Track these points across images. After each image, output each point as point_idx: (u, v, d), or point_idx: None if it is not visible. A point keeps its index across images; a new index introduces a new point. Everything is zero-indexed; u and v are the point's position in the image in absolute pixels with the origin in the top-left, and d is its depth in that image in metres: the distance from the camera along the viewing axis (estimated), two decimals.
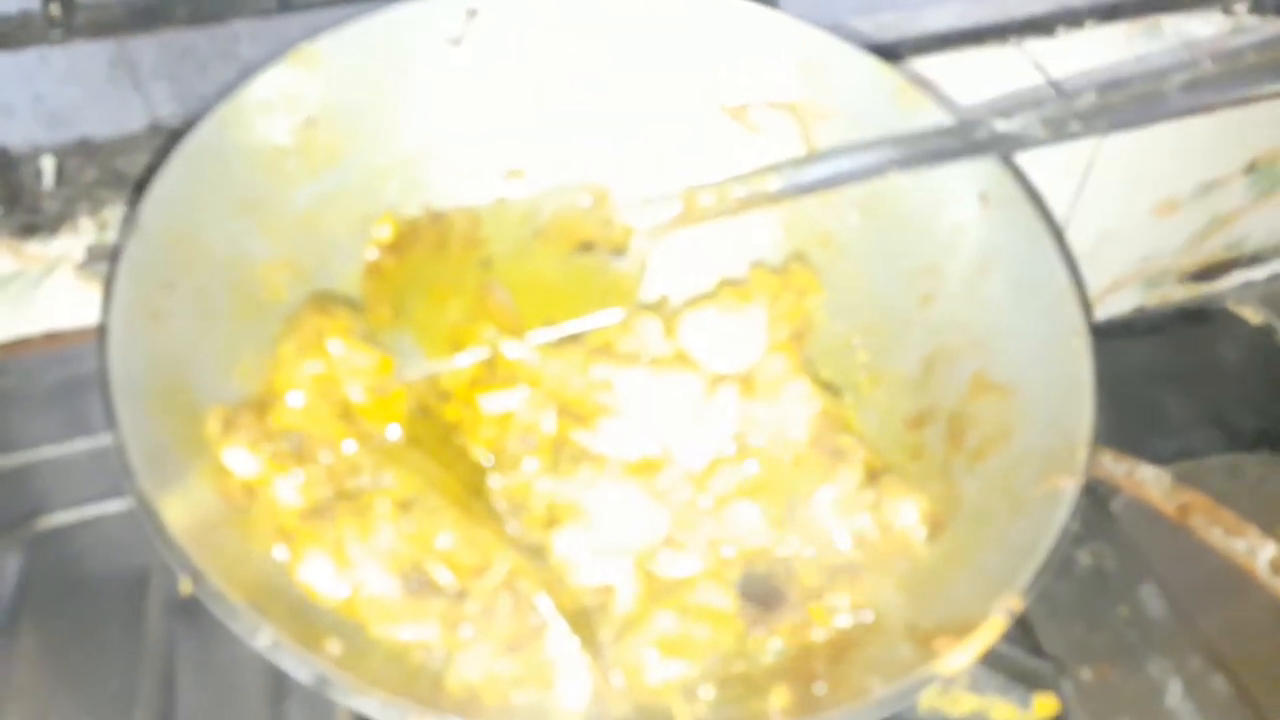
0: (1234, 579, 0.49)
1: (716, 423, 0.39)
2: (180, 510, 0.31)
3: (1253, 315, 0.63)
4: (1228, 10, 0.57)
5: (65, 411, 0.47)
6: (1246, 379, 0.60)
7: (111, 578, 0.45)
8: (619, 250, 0.42)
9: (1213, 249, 0.62)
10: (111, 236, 0.46)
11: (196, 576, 0.30)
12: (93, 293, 0.46)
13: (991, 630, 0.31)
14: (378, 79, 0.43)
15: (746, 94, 0.44)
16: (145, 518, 0.31)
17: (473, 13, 0.43)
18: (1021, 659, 0.38)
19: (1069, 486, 0.34)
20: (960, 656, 0.31)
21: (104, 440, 0.32)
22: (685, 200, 0.40)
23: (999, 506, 0.36)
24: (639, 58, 0.43)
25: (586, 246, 0.42)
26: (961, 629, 0.31)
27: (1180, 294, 0.63)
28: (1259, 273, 0.64)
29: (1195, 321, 0.62)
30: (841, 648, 0.35)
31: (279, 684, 0.41)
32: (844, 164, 0.41)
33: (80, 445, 0.47)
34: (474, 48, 0.43)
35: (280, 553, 0.34)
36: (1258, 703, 0.40)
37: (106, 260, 0.39)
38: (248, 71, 0.41)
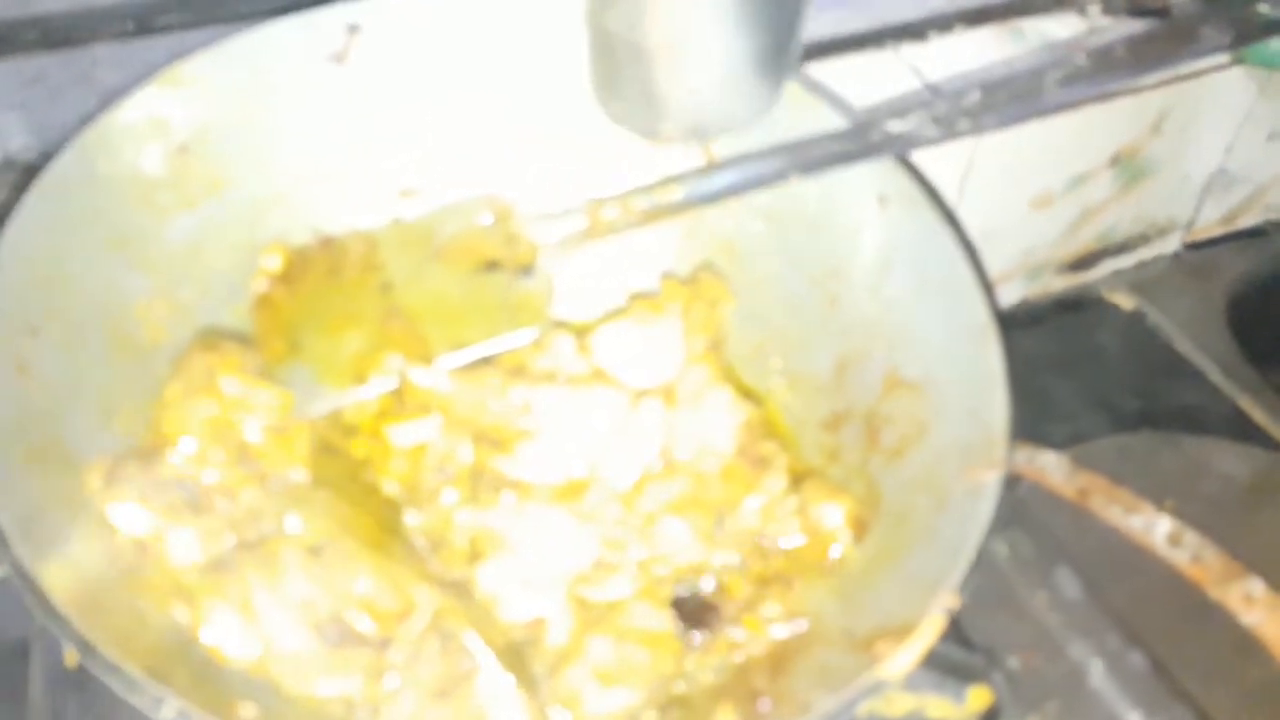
0: (1133, 554, 0.51)
1: (642, 438, 0.38)
2: (62, 576, 0.29)
3: (1125, 301, 0.65)
4: (1082, 12, 0.59)
5: None
6: (1124, 362, 0.62)
7: None
8: (525, 268, 0.41)
9: (1085, 239, 0.64)
10: None
11: (85, 649, 0.27)
12: None
13: (931, 629, 0.31)
14: (256, 100, 0.41)
15: None
16: (23, 588, 0.28)
17: (354, 28, 0.41)
18: (952, 653, 0.39)
19: (991, 478, 0.34)
20: (902, 659, 0.30)
21: None
22: (589, 214, 0.40)
23: (922, 504, 0.36)
24: (532, 69, 0.43)
25: (491, 265, 0.41)
26: (900, 631, 0.31)
27: (1059, 284, 0.66)
28: (1127, 260, 0.67)
29: (1073, 310, 0.65)
30: (781, 659, 0.34)
31: None
32: (745, 172, 0.41)
33: None
34: (358, 64, 0.42)
35: (180, 614, 0.32)
36: (1173, 674, 0.41)
37: None
38: (108, 99, 0.38)
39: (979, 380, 0.37)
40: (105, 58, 0.45)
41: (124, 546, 0.32)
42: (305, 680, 0.31)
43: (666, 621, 0.35)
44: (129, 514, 0.32)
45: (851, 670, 0.31)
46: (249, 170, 0.41)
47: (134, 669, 0.27)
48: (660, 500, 0.38)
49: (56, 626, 0.27)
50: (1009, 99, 0.42)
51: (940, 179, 0.53)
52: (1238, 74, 0.58)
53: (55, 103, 0.45)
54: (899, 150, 0.41)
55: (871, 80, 0.52)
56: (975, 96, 0.41)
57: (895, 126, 0.40)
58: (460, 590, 0.35)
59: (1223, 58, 0.57)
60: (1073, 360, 0.62)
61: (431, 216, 0.42)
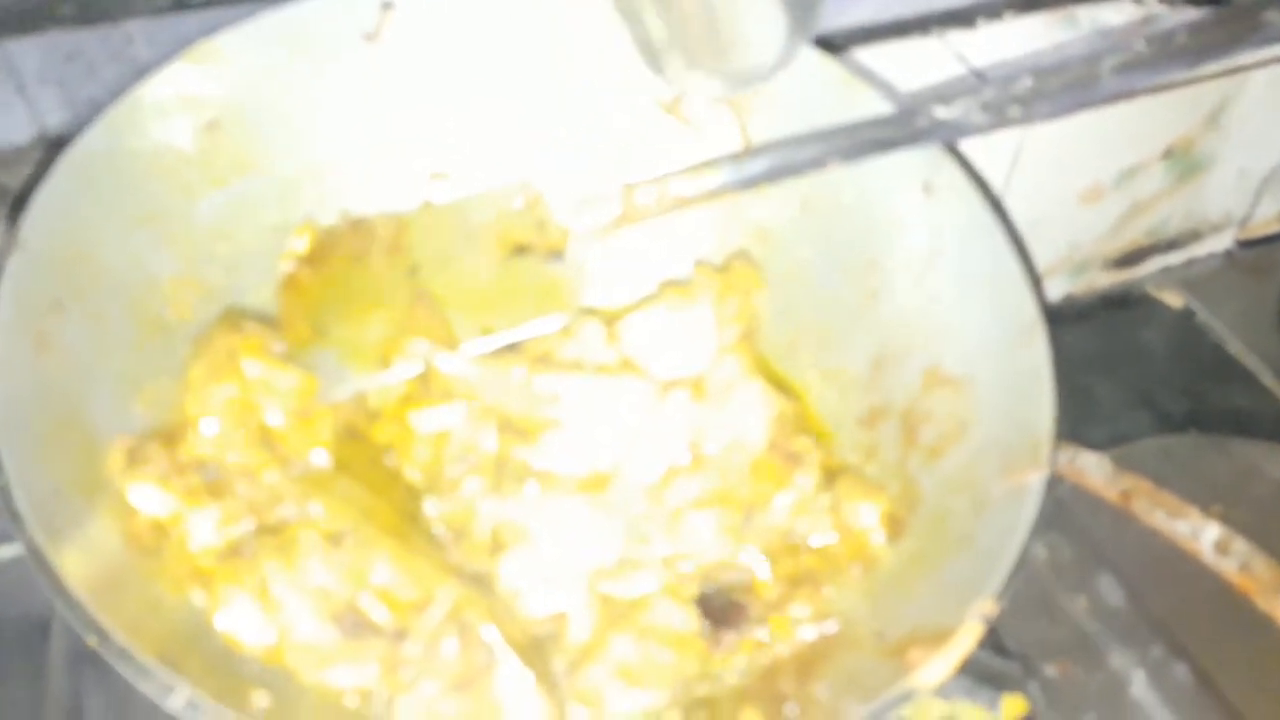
0: (1178, 561, 0.49)
1: (669, 431, 0.37)
2: (80, 558, 0.28)
3: (1174, 299, 0.64)
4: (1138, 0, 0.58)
5: None
6: (1171, 362, 0.61)
7: (8, 626, 0.41)
8: (555, 253, 0.40)
9: (1134, 235, 0.63)
10: None
11: (100, 634, 0.27)
12: None
13: (967, 638, 0.30)
14: (287, 78, 0.40)
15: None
16: (39, 570, 0.28)
17: (388, 5, 0.41)
18: (987, 659, 0.38)
19: (1034, 481, 0.33)
20: (936, 668, 0.29)
21: None
22: (622, 199, 0.39)
23: (961, 505, 0.35)
24: (568, 50, 0.42)
25: (520, 250, 0.40)
26: (934, 638, 0.30)
27: (1104, 280, 0.64)
28: (1177, 257, 0.65)
29: (1119, 307, 0.63)
30: (809, 663, 0.33)
31: None
32: (784, 157, 0.39)
33: None
34: (390, 43, 0.41)
35: (197, 598, 0.31)
36: (1218, 688, 0.40)
37: None
38: (143, 75, 0.38)
39: (1024, 378, 0.35)
40: (141, 33, 0.44)
41: (142, 529, 0.32)
42: (320, 669, 0.31)
43: (691, 620, 0.34)
44: (149, 495, 0.32)
45: (882, 677, 0.30)
46: (279, 149, 0.41)
47: (145, 655, 0.26)
48: (687, 495, 0.37)
49: (69, 609, 0.27)
50: (1062, 87, 0.40)
51: (986, 169, 0.52)
52: None
53: (92, 79, 0.45)
54: (946, 137, 0.40)
55: (916, 69, 0.51)
56: (1027, 83, 0.40)
57: (942, 113, 0.39)
58: (481, 582, 0.34)
59: None
60: (1118, 359, 0.61)
61: (462, 200, 0.42)
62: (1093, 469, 0.53)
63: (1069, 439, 0.52)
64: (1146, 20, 0.57)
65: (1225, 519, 0.50)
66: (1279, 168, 0.63)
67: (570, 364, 0.38)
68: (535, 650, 0.33)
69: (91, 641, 0.27)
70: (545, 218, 0.40)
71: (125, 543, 0.31)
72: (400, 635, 0.31)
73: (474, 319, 0.40)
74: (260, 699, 0.29)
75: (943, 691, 0.37)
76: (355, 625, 0.31)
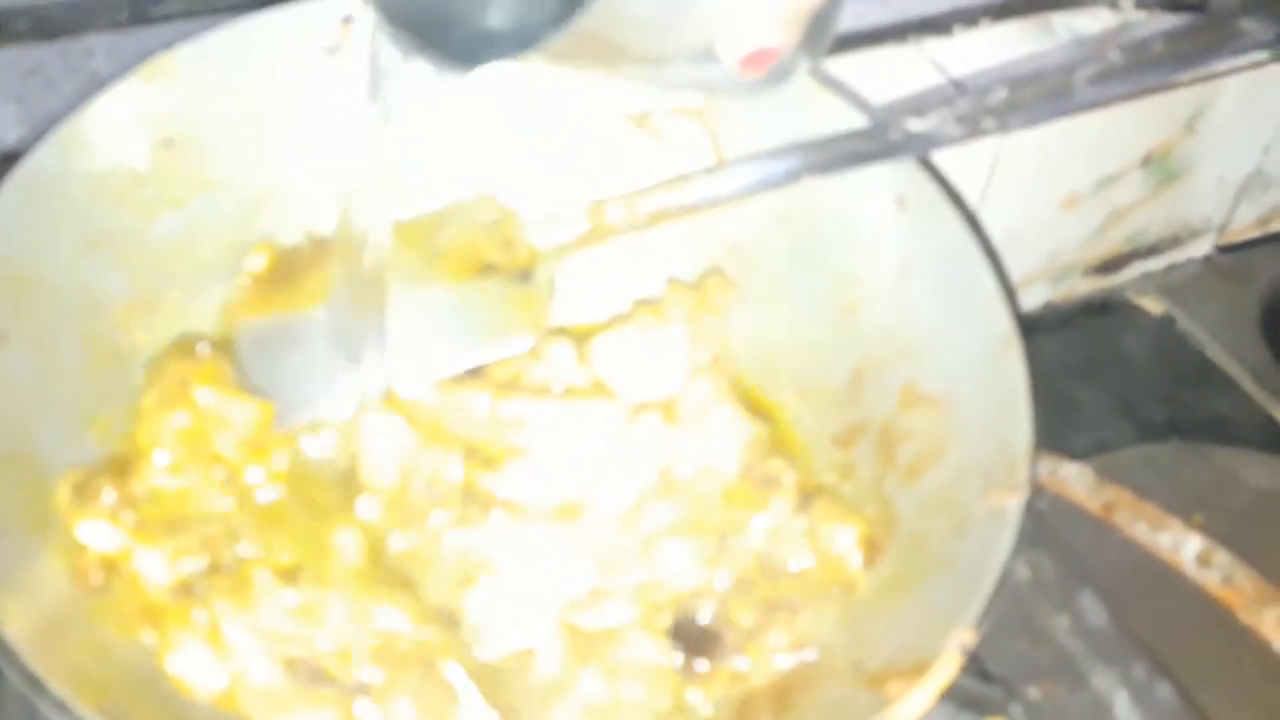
0: (1161, 575, 0.49)
1: (640, 457, 0.36)
2: (22, 602, 0.27)
3: (1153, 306, 0.64)
4: (1114, 6, 0.58)
5: None
6: (1152, 369, 0.61)
7: None
8: (523, 272, 0.39)
9: (1114, 242, 0.63)
10: None
11: (34, 684, 0.25)
12: None
13: (947, 668, 0.29)
14: (246, 94, 0.39)
15: (650, 100, 0.42)
16: None
17: (349, 19, 0.40)
18: (968, 683, 0.37)
19: (1011, 504, 0.32)
20: (915, 701, 0.29)
21: None
22: (592, 216, 0.38)
23: (940, 527, 0.34)
24: (536, 63, 0.41)
25: (488, 269, 0.39)
26: (913, 668, 0.29)
27: (1084, 288, 0.64)
28: (1157, 264, 0.65)
29: (1100, 314, 0.63)
30: (785, 693, 0.32)
31: None
32: (757, 171, 0.39)
33: None
34: (352, 57, 0.40)
35: (147, 639, 0.30)
36: (1202, 706, 0.39)
37: None
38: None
39: (1000, 396, 0.35)
40: (101, 48, 0.44)
41: (90, 566, 0.31)
42: (275, 715, 0.29)
43: (664, 653, 0.33)
44: (98, 532, 0.31)
45: (861, 709, 0.29)
46: (239, 167, 0.40)
47: (85, 707, 0.25)
48: (660, 522, 0.36)
49: (4, 659, 0.26)
50: (1037, 97, 0.40)
51: (964, 178, 0.51)
52: (1276, 71, 0.56)
53: (51, 95, 0.44)
54: (920, 151, 0.39)
55: (891, 77, 0.51)
56: (1001, 94, 0.39)
57: (916, 125, 0.38)
58: (446, 618, 0.33)
59: (1260, 54, 0.54)
60: (1098, 366, 0.61)
61: (428, 218, 0.41)
62: (1075, 480, 0.52)
63: (1050, 448, 0.52)
64: (1123, 28, 0.57)
65: (1206, 528, 0.50)
66: (1257, 173, 0.63)
67: (537, 388, 0.37)
68: (500, 688, 0.32)
69: (26, 692, 0.25)
70: (513, 235, 0.39)
71: (72, 581, 0.30)
72: (359, 676, 0.30)
73: (439, 340, 0.39)
74: None
75: (924, 717, 0.36)
76: (310, 674, 0.30)
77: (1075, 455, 0.53)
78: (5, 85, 0.43)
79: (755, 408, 0.39)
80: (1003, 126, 0.39)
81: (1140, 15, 0.57)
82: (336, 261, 0.36)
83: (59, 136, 0.36)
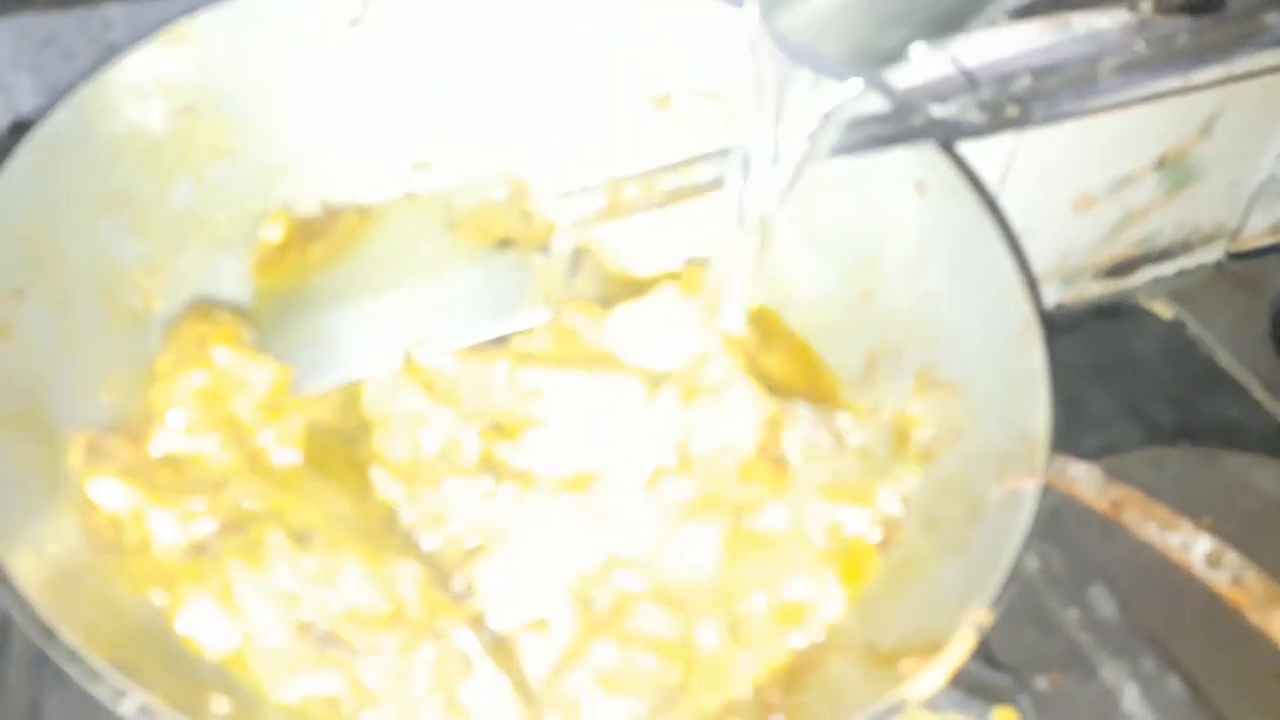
0: (1169, 573, 0.49)
1: (656, 431, 0.36)
2: (35, 554, 0.27)
3: (1164, 310, 0.63)
4: (1134, 8, 0.57)
5: None
6: (1162, 373, 0.60)
7: None
8: (540, 246, 0.39)
9: (1126, 245, 0.63)
10: None
11: (47, 633, 0.25)
12: None
13: (960, 647, 0.29)
14: (267, 62, 0.39)
15: (671, 81, 0.42)
16: None
17: None
18: (977, 671, 0.37)
19: (1029, 488, 0.32)
20: (929, 679, 0.28)
21: None
22: (610, 193, 0.38)
23: (954, 511, 0.34)
24: (557, 40, 0.41)
25: (505, 243, 0.39)
26: (926, 647, 0.29)
27: (1095, 290, 0.64)
28: (1168, 268, 0.65)
29: (1110, 317, 0.63)
30: (796, 672, 0.32)
31: None
32: (774, 153, 0.38)
33: None
34: (375, 28, 0.40)
35: (158, 598, 0.30)
36: (1210, 702, 0.39)
37: None
38: None
39: (1019, 382, 0.35)
40: (119, 18, 0.44)
41: (103, 525, 0.31)
42: (285, 677, 0.29)
43: (676, 626, 0.33)
44: (110, 491, 0.31)
45: (873, 688, 0.29)
46: (258, 135, 0.40)
47: (96, 657, 0.25)
48: (675, 497, 0.35)
49: (17, 607, 0.26)
50: (1060, 86, 0.39)
51: (979, 175, 0.51)
52: None
53: (68, 65, 0.44)
54: (941, 136, 0.39)
55: (910, 73, 0.50)
56: (1025, 81, 0.39)
57: (938, 111, 0.38)
58: (458, 586, 0.33)
59: (1278, 59, 0.54)
60: (1108, 369, 0.61)
61: (446, 192, 0.41)
62: (1083, 479, 0.52)
63: (1059, 449, 0.52)
64: (1142, 28, 0.57)
65: (1215, 531, 0.49)
66: (1271, 180, 0.62)
67: (556, 359, 0.37)
68: (511, 656, 0.32)
69: (38, 641, 0.25)
70: (530, 210, 0.39)
71: (84, 539, 0.30)
72: (370, 641, 0.30)
73: (458, 312, 0.39)
74: (220, 705, 0.27)
75: (932, 704, 0.36)
76: (321, 637, 0.29)
77: (1084, 456, 0.53)
78: (22, 54, 0.43)
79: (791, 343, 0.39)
80: (1025, 115, 0.39)
81: (1159, 18, 0.57)
82: (366, 231, 0.36)
83: (78, 98, 0.36)
